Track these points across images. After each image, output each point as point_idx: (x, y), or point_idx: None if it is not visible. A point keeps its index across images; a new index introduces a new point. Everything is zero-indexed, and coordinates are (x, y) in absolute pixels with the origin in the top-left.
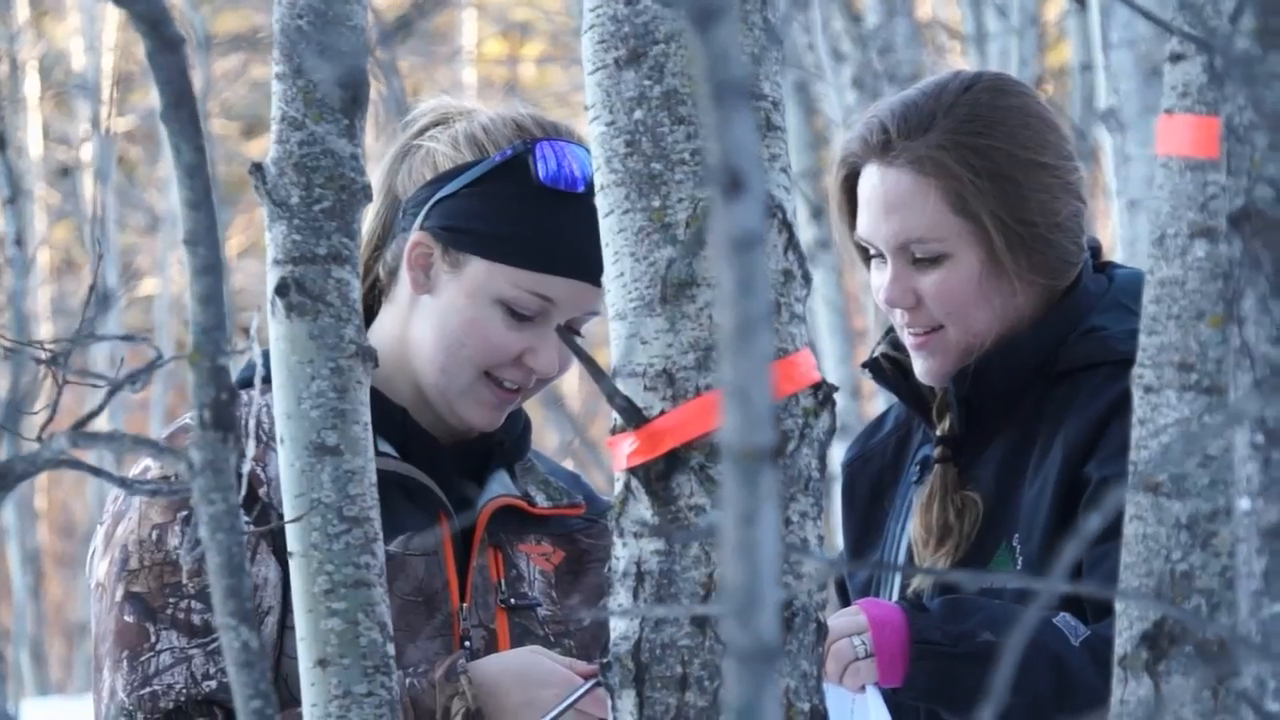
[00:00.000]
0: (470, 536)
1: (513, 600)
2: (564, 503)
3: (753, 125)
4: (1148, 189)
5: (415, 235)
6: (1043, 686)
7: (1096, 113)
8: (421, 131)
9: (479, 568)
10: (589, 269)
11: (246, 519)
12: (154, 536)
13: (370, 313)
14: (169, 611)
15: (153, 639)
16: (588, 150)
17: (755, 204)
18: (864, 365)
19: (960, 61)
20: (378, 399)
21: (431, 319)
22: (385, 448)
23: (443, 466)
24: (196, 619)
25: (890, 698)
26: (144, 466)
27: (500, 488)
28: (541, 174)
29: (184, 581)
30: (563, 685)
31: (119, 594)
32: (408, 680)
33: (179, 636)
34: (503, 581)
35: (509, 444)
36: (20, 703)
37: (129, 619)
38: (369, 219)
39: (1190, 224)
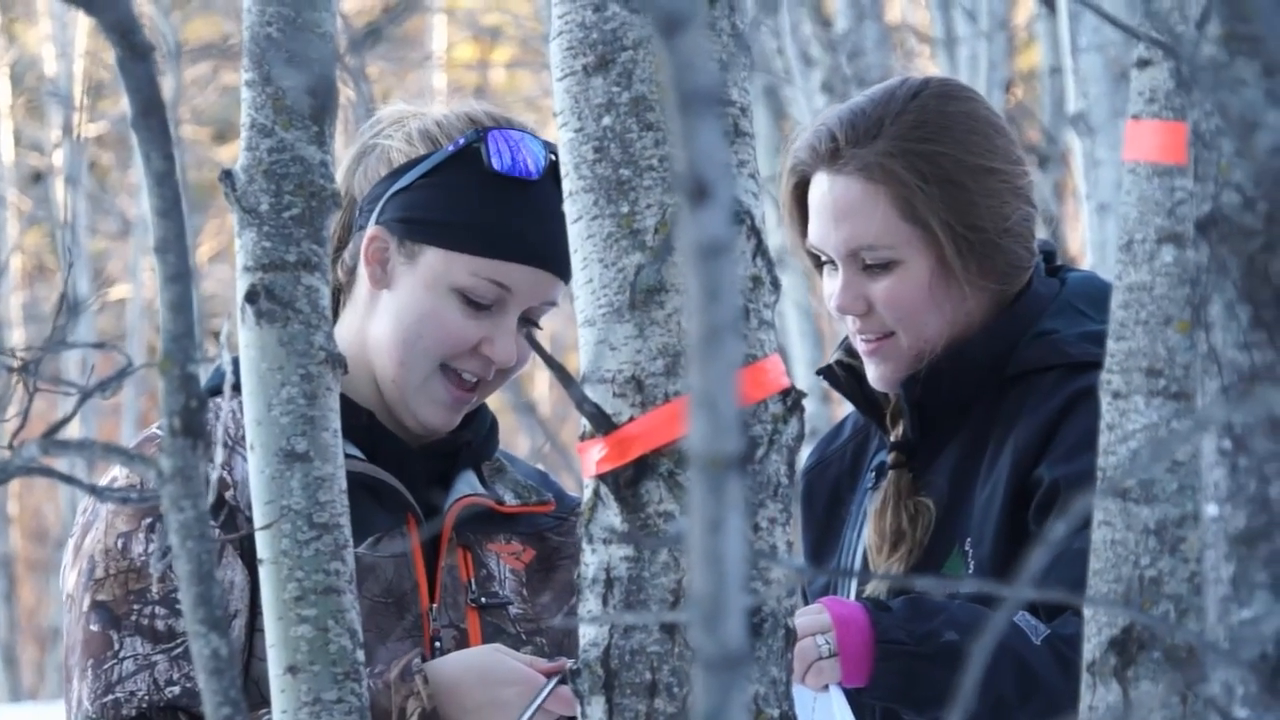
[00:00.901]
0: (438, 537)
1: (483, 599)
2: (533, 500)
3: (720, 133)
4: (1117, 193)
5: (371, 230)
6: (1007, 687)
7: (1066, 117)
8: (378, 133)
9: (448, 568)
10: (545, 256)
11: (213, 523)
12: (119, 545)
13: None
14: (133, 618)
15: (116, 646)
16: (543, 142)
17: (722, 212)
18: (818, 372)
19: (930, 65)
20: (343, 402)
21: (389, 313)
22: (352, 450)
23: (410, 468)
24: (161, 624)
25: (852, 697)
26: (112, 476)
27: (467, 487)
28: (495, 162)
29: (149, 588)
30: (525, 684)
31: (86, 604)
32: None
33: (143, 643)
34: (473, 581)
35: (476, 444)
36: None
37: (94, 628)
38: None
39: (1158, 229)
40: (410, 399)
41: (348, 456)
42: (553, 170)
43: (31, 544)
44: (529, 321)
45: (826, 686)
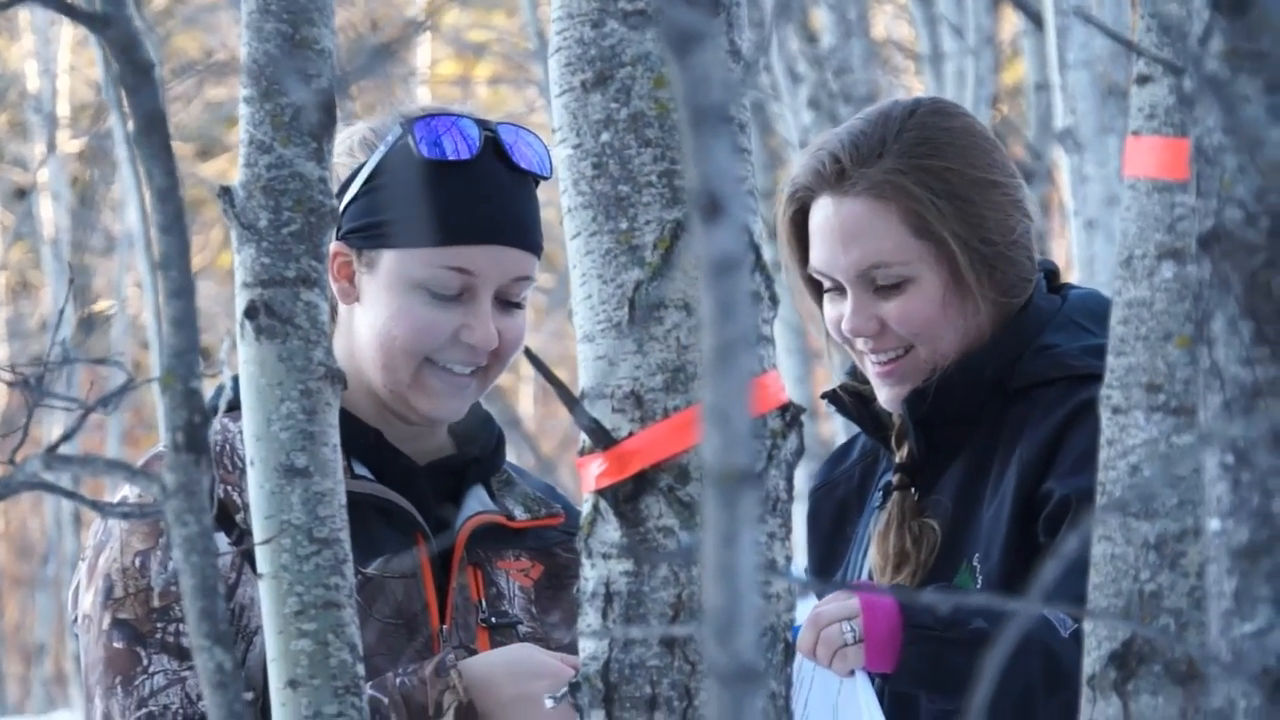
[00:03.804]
0: (449, 556)
1: (493, 619)
2: (542, 514)
3: (731, 149)
4: (1105, 209)
5: (332, 248)
6: (1034, 676)
7: (1053, 132)
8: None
9: (459, 587)
10: (496, 232)
11: (229, 541)
12: (137, 564)
13: None
14: (158, 636)
15: (145, 662)
16: (478, 122)
17: (735, 227)
18: (823, 396)
19: (915, 81)
20: (350, 421)
21: (365, 325)
22: (361, 470)
23: (419, 487)
24: (186, 642)
25: (878, 685)
26: (123, 495)
27: (478, 504)
28: (424, 150)
29: (171, 606)
30: (555, 677)
31: (105, 622)
32: (397, 679)
33: (170, 660)
34: (483, 600)
35: (484, 459)
36: None
37: (118, 645)
38: None
39: (1158, 245)
40: (408, 397)
41: (356, 477)
42: (491, 147)
43: (17, 559)
44: (507, 303)
45: (853, 672)
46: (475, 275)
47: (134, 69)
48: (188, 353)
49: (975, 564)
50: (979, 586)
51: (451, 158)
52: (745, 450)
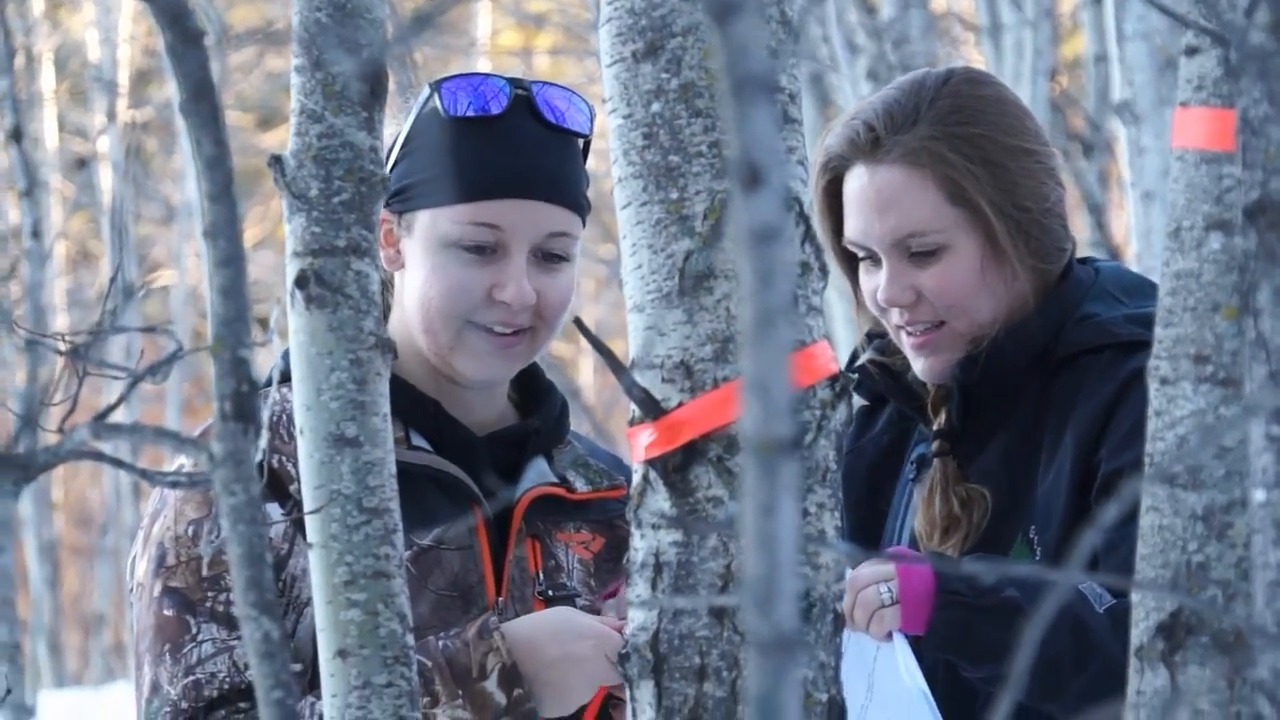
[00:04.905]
0: (507, 528)
1: (550, 592)
2: (604, 486)
3: (772, 119)
4: (1162, 181)
5: (380, 216)
6: (1062, 647)
7: (1111, 105)
8: None
9: (516, 559)
10: (526, 186)
11: (283, 512)
12: (190, 532)
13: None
14: (208, 605)
15: (194, 630)
16: (509, 80)
17: (775, 197)
18: (851, 369)
19: (974, 53)
20: (410, 392)
21: (410, 290)
22: (419, 442)
23: (477, 458)
24: (235, 611)
25: (914, 649)
26: (179, 464)
27: (537, 476)
28: (450, 107)
29: (221, 575)
30: (598, 638)
31: (157, 589)
32: (440, 643)
33: (219, 629)
34: (540, 572)
35: (545, 430)
36: (38, 694)
37: (168, 613)
38: None
39: (1206, 216)
40: (452, 360)
41: (414, 448)
42: (524, 104)
43: (76, 530)
44: (548, 257)
45: (890, 636)
46: (505, 230)
47: (182, 37)
48: (236, 321)
49: (1032, 536)
50: (1038, 560)
51: (476, 114)
52: (785, 420)
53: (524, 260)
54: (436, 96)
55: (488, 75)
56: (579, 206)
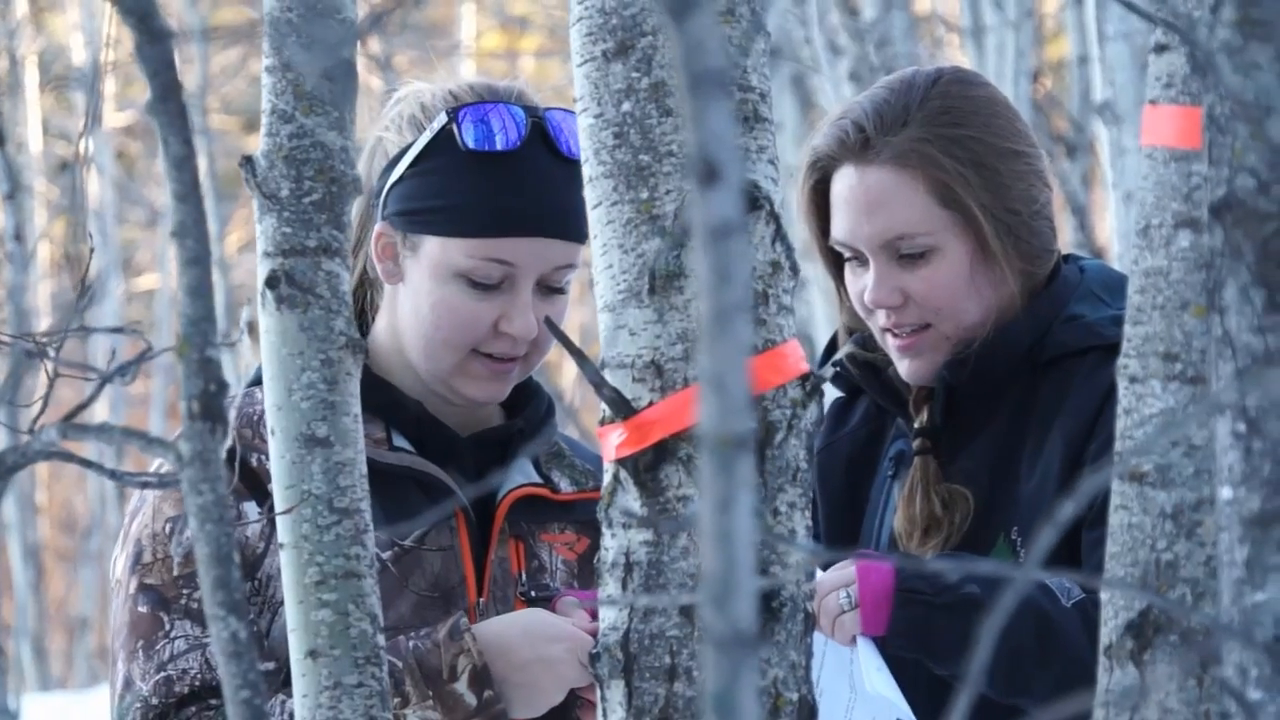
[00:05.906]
0: (489, 529)
1: (533, 593)
2: (589, 486)
3: (729, 115)
4: None
5: (378, 227)
6: (1025, 640)
7: (1093, 105)
8: (383, 125)
9: (498, 560)
10: (538, 224)
11: (259, 511)
12: (166, 530)
13: (360, 311)
14: (182, 602)
15: (167, 627)
16: (525, 109)
17: (732, 193)
18: (830, 363)
19: (957, 54)
20: (391, 393)
21: (407, 307)
22: (401, 443)
23: (460, 459)
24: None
25: (884, 650)
26: (157, 465)
27: (521, 476)
28: (468, 140)
29: (195, 573)
30: (570, 640)
31: (133, 586)
32: (411, 644)
33: (192, 626)
34: (523, 573)
35: (529, 431)
36: (21, 698)
37: (142, 609)
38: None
39: (1174, 214)
40: (451, 383)
41: (396, 449)
42: (538, 135)
43: (60, 534)
44: (550, 289)
45: (854, 640)
46: (516, 266)
47: (149, 36)
48: (204, 321)
49: (1015, 538)
50: (1020, 561)
51: (497, 148)
52: (742, 416)
53: (529, 294)
54: (454, 124)
55: (505, 103)
56: (583, 236)
